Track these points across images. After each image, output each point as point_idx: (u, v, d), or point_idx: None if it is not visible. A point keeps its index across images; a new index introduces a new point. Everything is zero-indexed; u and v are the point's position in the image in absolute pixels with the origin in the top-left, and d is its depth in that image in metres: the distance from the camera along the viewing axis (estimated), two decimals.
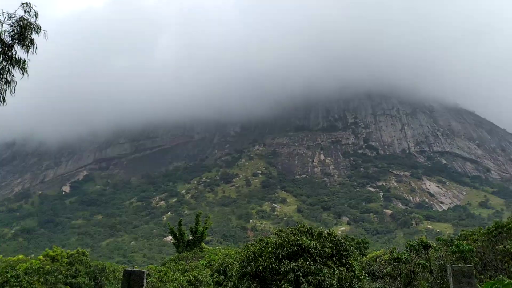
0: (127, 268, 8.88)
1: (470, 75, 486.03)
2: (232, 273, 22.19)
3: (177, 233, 41.14)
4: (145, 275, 8.65)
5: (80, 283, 22.13)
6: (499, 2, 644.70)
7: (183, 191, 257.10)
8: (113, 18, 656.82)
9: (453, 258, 19.00)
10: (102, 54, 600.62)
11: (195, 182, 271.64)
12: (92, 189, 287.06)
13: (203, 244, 41.36)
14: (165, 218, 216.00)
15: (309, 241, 18.71)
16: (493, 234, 21.30)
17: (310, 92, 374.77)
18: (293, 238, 18.84)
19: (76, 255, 26.11)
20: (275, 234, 20.35)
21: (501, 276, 18.02)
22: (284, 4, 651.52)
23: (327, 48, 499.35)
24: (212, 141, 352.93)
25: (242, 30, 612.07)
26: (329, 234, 20.24)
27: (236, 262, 21.87)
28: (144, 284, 8.46)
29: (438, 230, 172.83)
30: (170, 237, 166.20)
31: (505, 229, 20.95)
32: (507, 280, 8.00)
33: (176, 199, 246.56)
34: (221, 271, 23.83)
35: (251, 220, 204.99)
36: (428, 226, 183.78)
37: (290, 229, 20.44)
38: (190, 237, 40.61)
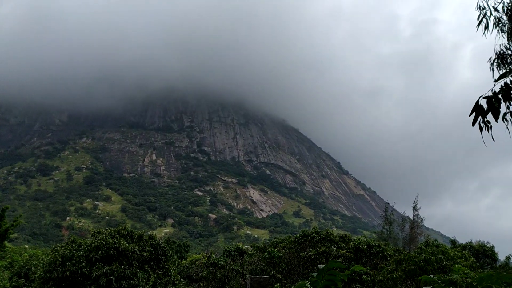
0: None
1: (294, 96, 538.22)
2: (34, 277, 20.00)
3: None
4: None
5: None
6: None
7: None
8: None
9: (264, 264, 20.46)
10: None
11: (5, 171, 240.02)
12: None
13: (6, 243, 36.48)
14: None
15: (127, 244, 18.03)
16: (299, 242, 23.68)
17: (142, 87, 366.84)
18: (110, 240, 17.94)
19: None
20: (92, 235, 19.10)
21: (302, 280, 20.04)
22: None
23: (168, 47, 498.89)
24: (32, 128, 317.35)
25: (104, 15, 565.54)
26: (150, 237, 19.87)
27: (41, 265, 19.79)
28: None
29: (256, 235, 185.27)
30: None
31: (309, 237, 23.46)
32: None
33: None
34: (23, 274, 21.26)
35: (68, 218, 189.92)
36: (248, 232, 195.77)
37: (109, 231, 19.41)
38: None
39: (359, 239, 23.49)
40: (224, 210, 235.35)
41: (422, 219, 46.83)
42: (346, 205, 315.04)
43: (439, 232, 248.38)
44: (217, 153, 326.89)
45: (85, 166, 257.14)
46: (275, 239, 26.33)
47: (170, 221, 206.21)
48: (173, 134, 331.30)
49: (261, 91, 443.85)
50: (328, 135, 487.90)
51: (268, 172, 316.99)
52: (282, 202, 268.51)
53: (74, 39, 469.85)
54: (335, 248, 21.89)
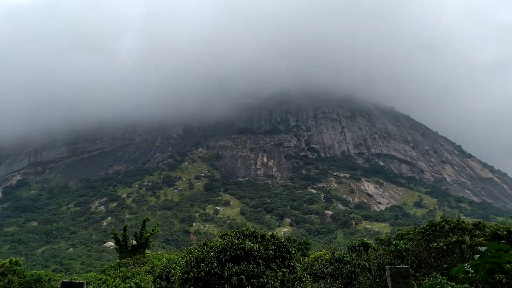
0: (65, 280, 8.30)
1: (405, 82, 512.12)
2: (174, 278, 21.73)
3: (121, 238, 39.73)
4: (85, 286, 8.13)
5: None
6: (446, 18, 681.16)
7: (124, 195, 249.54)
8: (77, 13, 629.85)
9: (391, 257, 19.75)
10: (61, 49, 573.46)
11: (137, 185, 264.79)
12: (27, 194, 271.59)
13: (146, 250, 40.29)
14: (105, 223, 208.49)
15: (252, 244, 18.70)
16: (427, 232, 22.39)
17: (254, 94, 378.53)
18: (236, 241, 18.74)
19: (9, 265, 24.43)
20: (220, 237, 20.16)
21: (434, 273, 18.95)
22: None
23: (275, 50, 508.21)
24: (154, 144, 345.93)
25: (212, 31, 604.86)
26: (272, 236, 20.35)
27: (178, 268, 21.44)
28: None
29: (376, 229, 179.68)
30: (110, 243, 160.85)
31: (438, 227, 22.08)
32: (440, 277, 8.38)
33: (116, 203, 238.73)
34: (164, 277, 23.26)
35: (194, 224, 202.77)
36: (367, 226, 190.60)
37: (234, 233, 20.34)
38: (134, 242, 39.40)
39: (496, 225, 21.49)
40: (340, 205, 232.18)
41: None
42: (473, 191, 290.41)
43: None
44: (326, 149, 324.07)
45: (203, 175, 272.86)
46: (399, 231, 25.27)
47: (288, 220, 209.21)
48: (280, 135, 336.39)
49: (367, 81, 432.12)
50: (444, 118, 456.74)
51: (381, 163, 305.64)
52: (400, 193, 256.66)
53: (187, 59, 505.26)
54: (468, 237, 20.33)
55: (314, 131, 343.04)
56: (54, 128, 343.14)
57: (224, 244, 18.65)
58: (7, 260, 29.82)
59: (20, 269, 26.00)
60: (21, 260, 33.94)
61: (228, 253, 18.24)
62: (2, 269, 25.89)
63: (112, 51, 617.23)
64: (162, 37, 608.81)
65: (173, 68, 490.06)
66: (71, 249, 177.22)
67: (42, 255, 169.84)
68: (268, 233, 20.96)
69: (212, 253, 18.44)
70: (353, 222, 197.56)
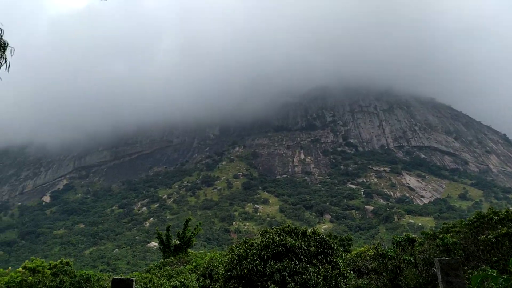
0: (115, 277, 8.75)
1: (445, 71, 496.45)
2: (217, 276, 21.99)
3: (164, 238, 40.67)
4: (134, 283, 8.53)
5: None
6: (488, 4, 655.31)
7: (165, 196, 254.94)
8: (114, 20, 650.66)
9: (437, 251, 19.21)
10: (101, 56, 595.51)
11: (176, 186, 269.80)
12: (73, 198, 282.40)
13: (189, 250, 41.03)
14: (147, 224, 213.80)
15: (293, 240, 18.62)
16: (475, 225, 21.62)
17: (290, 92, 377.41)
18: (278, 238, 18.72)
19: (60, 265, 25.53)
20: (261, 235, 20.21)
21: (483, 266, 18.30)
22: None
23: (311, 46, 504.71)
24: (192, 145, 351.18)
25: (247, 31, 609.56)
26: (313, 233, 20.20)
27: (221, 266, 21.68)
28: None
29: (420, 224, 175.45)
30: (153, 243, 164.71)
31: (485, 219, 21.29)
32: (490, 270, 8.06)
33: (157, 204, 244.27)
34: (207, 275, 23.58)
35: (234, 222, 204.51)
36: (410, 220, 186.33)
37: (275, 230, 20.34)
38: (177, 242, 40.22)
39: None
40: (381, 200, 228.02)
41: None
42: None
43: None
44: (364, 143, 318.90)
45: (241, 173, 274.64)
46: (445, 225, 24.55)
47: (328, 217, 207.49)
48: (317, 131, 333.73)
49: (405, 73, 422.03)
50: (487, 107, 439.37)
51: (422, 155, 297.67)
52: (444, 186, 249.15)
53: (223, 59, 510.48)
54: None
55: (351, 126, 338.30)
56: (97, 133, 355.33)
57: (265, 241, 18.68)
58: (58, 261, 31.04)
59: (71, 269, 27.04)
60: (71, 261, 35.33)
61: (269, 250, 18.25)
62: (54, 270, 27.00)
63: (149, 56, 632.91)
64: (198, 39, 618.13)
65: (209, 69, 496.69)
66: (116, 249, 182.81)
67: (90, 256, 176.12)
68: (310, 230, 20.82)
69: (253, 251, 18.51)
70: (396, 217, 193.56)
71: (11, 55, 11.92)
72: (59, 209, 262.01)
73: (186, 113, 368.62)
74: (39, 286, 21.45)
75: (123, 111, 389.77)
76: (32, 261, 29.73)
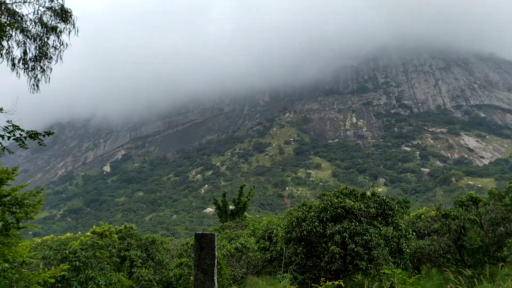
0: (197, 232, 9.25)
1: (505, 23, 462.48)
2: (277, 238, 22.40)
3: (221, 204, 41.91)
4: (215, 237, 8.94)
5: (133, 255, 23.03)
6: None
7: (218, 164, 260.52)
8: None
9: (504, 211, 18.46)
10: (158, 30, 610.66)
11: (229, 154, 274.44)
12: (131, 167, 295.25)
13: (245, 213, 42.06)
14: (202, 191, 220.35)
15: (352, 202, 18.52)
16: None
17: (338, 53, 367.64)
18: (336, 200, 18.68)
19: (125, 230, 27.07)
20: (318, 197, 20.22)
21: None
22: None
23: (368, 5, 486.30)
24: (242, 112, 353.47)
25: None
26: (373, 194, 19.99)
27: (280, 228, 22.03)
28: (215, 245, 8.72)
29: (480, 185, 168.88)
30: (209, 209, 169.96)
31: None
32: None
33: (211, 171, 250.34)
34: (266, 237, 24.10)
35: (287, 188, 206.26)
36: (469, 182, 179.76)
37: (332, 192, 20.27)
38: (233, 207, 41.35)
39: None
40: (438, 162, 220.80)
41: None
42: None
43: None
44: (419, 104, 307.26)
45: (292, 139, 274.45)
46: (511, 184, 23.43)
47: (382, 180, 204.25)
48: (369, 94, 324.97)
49: (462, 29, 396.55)
50: None
51: (482, 114, 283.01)
52: (506, 146, 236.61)
53: (277, 26, 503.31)
54: None
55: (404, 87, 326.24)
56: (152, 103, 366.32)
57: (324, 204, 18.70)
58: (122, 226, 32.71)
59: (136, 233, 28.51)
60: (134, 226, 37.25)
61: (328, 212, 18.29)
62: (120, 234, 28.61)
63: (202, 25, 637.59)
64: (251, 5, 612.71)
65: (262, 37, 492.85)
66: (174, 215, 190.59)
67: (150, 222, 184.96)
68: (368, 192, 20.60)
69: (312, 213, 18.62)
70: (453, 179, 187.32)
71: (74, 24, 12.33)
72: (119, 178, 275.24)
73: (236, 80, 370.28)
74: (109, 248, 22.87)
75: (177, 81, 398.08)
76: (100, 226, 31.57)
